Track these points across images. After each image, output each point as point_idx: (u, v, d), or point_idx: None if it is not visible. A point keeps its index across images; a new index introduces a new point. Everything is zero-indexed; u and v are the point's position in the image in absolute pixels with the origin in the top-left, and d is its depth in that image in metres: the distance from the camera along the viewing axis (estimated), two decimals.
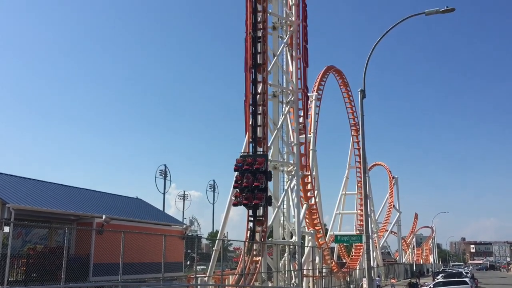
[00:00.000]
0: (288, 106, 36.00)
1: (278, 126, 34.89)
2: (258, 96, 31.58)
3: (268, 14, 34.05)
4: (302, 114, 36.61)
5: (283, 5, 37.71)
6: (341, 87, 59.70)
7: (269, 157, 32.02)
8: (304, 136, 36.89)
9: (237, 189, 29.32)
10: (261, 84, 31.96)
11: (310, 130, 45.88)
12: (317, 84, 51.79)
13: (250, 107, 31.44)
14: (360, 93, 20.11)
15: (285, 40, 36.52)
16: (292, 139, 35.86)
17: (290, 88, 36.35)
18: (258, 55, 32.12)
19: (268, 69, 33.37)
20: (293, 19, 36.83)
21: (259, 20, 32.76)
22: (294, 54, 36.74)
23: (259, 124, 30.89)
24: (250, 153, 30.21)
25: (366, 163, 26.41)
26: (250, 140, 30.72)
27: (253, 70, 31.71)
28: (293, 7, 37.11)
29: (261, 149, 30.58)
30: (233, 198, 29.77)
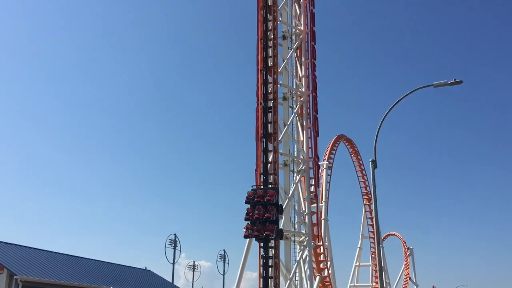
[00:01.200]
0: (299, 175, 35.96)
1: (289, 195, 34.66)
2: (269, 165, 31.64)
3: (278, 85, 34.92)
4: (313, 183, 36.46)
5: (293, 77, 38.74)
6: (352, 156, 59.84)
7: (280, 227, 31.59)
8: (315, 205, 36.52)
9: (248, 222, 29.40)
10: (272, 154, 32.15)
11: (322, 199, 45.52)
12: (328, 153, 52.02)
13: (261, 176, 31.41)
14: (371, 163, 20.08)
15: (295, 110, 37.16)
16: (303, 209, 35.48)
17: (301, 157, 36.50)
18: (269, 125, 32.55)
19: (279, 139, 33.69)
20: (303, 90, 37.66)
21: (270, 91, 33.54)
22: (304, 124, 37.21)
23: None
24: (261, 187, 30.65)
25: (380, 233, 25.85)
26: None
27: (264, 140, 31.99)
28: (303, 78, 38.08)
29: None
30: (244, 230, 29.68)
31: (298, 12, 39.95)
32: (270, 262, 29.45)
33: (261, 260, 29.69)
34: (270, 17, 34.82)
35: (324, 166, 49.54)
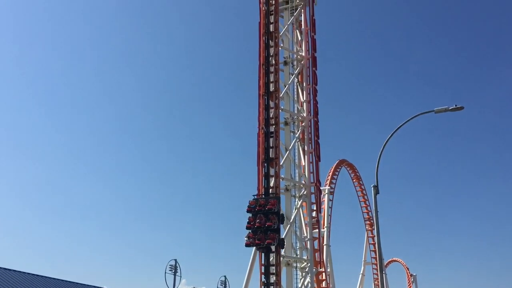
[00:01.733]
0: (301, 200, 35.78)
1: (291, 221, 34.42)
2: (270, 190, 31.53)
3: (280, 110, 35.08)
4: (315, 209, 36.22)
5: (294, 102, 38.95)
6: (354, 181, 59.65)
7: (282, 253, 31.33)
8: (317, 231, 36.19)
9: (250, 230, 29.51)
10: (273, 178, 32.06)
11: (324, 225, 45.17)
12: (329, 178, 51.87)
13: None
14: (373, 189, 19.99)
15: (297, 135, 37.23)
16: (305, 234, 35.17)
17: (303, 182, 36.38)
18: (271, 150, 32.59)
19: (281, 163, 33.67)
20: (305, 115, 37.79)
21: (271, 116, 33.69)
22: (306, 149, 37.22)
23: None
24: (263, 196, 30.72)
25: (383, 259, 25.56)
26: None
27: (265, 164, 32.00)
28: (305, 103, 38.26)
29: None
30: (245, 239, 29.75)
31: (299, 38, 40.44)
32: (272, 269, 29.51)
33: (262, 268, 29.68)
34: (271, 43, 35.25)
35: (326, 191, 49.33)
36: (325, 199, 48.72)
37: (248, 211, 30.11)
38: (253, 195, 31.15)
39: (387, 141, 19.32)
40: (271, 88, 34.12)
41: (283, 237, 30.93)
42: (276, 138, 33.06)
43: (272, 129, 33.18)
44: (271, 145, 32.64)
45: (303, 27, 40.03)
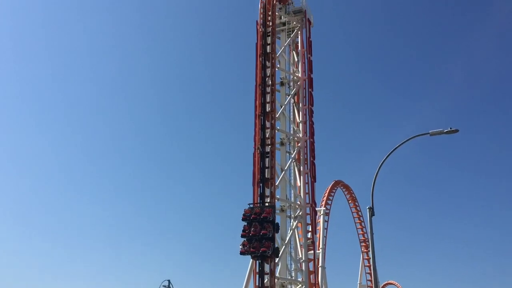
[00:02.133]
0: (296, 221, 35.63)
1: (286, 242, 34.22)
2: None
3: (276, 131, 35.18)
4: (310, 229, 36.04)
5: (290, 122, 39.10)
6: (350, 202, 59.53)
7: (277, 275, 31.03)
8: (312, 252, 35.94)
9: (245, 239, 29.47)
10: (268, 199, 31.95)
11: (319, 246, 44.84)
12: (325, 199, 51.74)
13: None
14: (369, 211, 19.94)
15: (293, 155, 37.26)
16: (300, 255, 34.91)
17: (298, 202, 36.27)
18: (266, 170, 32.56)
19: (276, 184, 33.59)
20: (301, 135, 37.89)
21: (267, 136, 33.78)
22: (301, 169, 37.21)
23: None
24: (258, 204, 30.77)
25: (378, 282, 25.33)
26: None
27: (261, 185, 31.97)
28: (301, 124, 38.39)
29: (268, 265, 29.98)
30: (240, 247, 29.72)
31: (296, 59, 40.81)
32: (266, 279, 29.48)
33: (257, 277, 29.58)
34: (268, 64, 35.56)
35: (321, 212, 49.14)
36: (321, 220, 48.50)
37: (243, 220, 30.19)
38: (249, 204, 31.26)
39: (382, 163, 19.36)
40: (268, 109, 34.30)
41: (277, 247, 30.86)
42: (271, 159, 33.07)
43: (268, 149, 33.23)
44: (266, 165, 32.64)
45: (299, 48, 40.43)
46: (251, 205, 30.96)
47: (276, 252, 30.12)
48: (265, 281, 29.34)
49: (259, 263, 29.54)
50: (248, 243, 29.33)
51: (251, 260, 31.12)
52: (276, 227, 30.32)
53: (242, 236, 29.74)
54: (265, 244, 29.03)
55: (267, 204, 30.78)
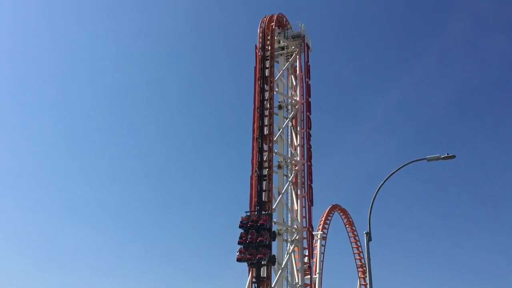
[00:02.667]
0: (293, 245, 35.35)
1: (282, 266, 33.85)
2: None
3: (274, 154, 35.22)
4: (307, 254, 35.77)
5: (288, 145, 39.16)
6: (347, 226, 59.19)
7: None
8: (309, 277, 35.58)
9: (242, 246, 29.68)
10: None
11: (316, 271, 44.46)
12: (322, 223, 51.49)
13: None
14: (366, 236, 19.83)
15: (290, 179, 37.19)
16: (296, 280, 34.55)
17: (295, 226, 36.05)
18: (264, 193, 32.47)
19: (273, 207, 33.46)
20: (298, 158, 37.91)
21: (265, 159, 33.80)
22: (299, 193, 37.10)
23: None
24: (255, 212, 31.05)
25: None
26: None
27: (258, 207, 31.86)
28: (298, 147, 38.45)
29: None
30: (237, 254, 29.83)
31: (294, 83, 41.15)
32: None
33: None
34: (266, 87, 35.88)
35: (318, 237, 48.84)
36: (318, 244, 48.15)
37: (240, 227, 30.43)
38: (246, 212, 31.53)
39: (379, 188, 19.35)
40: (265, 132, 34.43)
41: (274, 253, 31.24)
42: (269, 182, 33.05)
43: (265, 172, 33.23)
44: (264, 188, 32.59)
45: (298, 72, 40.81)
46: (248, 213, 31.26)
47: (272, 260, 30.41)
48: None
49: (255, 270, 29.71)
50: (245, 250, 29.62)
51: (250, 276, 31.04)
52: (273, 235, 30.72)
53: (239, 243, 29.92)
54: (261, 251, 29.37)
55: (263, 212, 31.14)
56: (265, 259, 29.36)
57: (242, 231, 30.24)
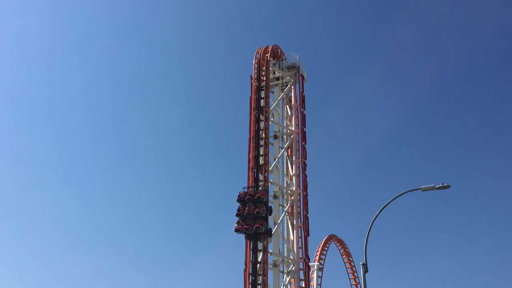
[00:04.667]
0: (289, 277, 34.91)
1: None
2: (258, 265, 30.87)
3: (269, 184, 35.17)
4: (303, 285, 35.25)
5: (284, 175, 39.13)
6: (344, 257, 58.45)
7: None
8: None
9: (239, 218, 31.53)
10: (261, 253, 31.52)
11: None
12: (318, 253, 50.84)
13: (250, 276, 30.60)
14: (362, 267, 19.62)
15: (286, 209, 37.02)
16: None
17: (291, 257, 35.68)
18: None
19: (270, 238, 33.17)
20: (294, 188, 37.82)
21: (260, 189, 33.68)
22: (295, 223, 36.87)
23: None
24: (253, 188, 33.02)
25: None
26: None
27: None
28: (294, 177, 38.41)
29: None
30: (235, 225, 31.63)
31: (289, 113, 41.43)
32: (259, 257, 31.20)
33: (250, 254, 31.13)
34: (262, 117, 36.14)
35: (315, 267, 48.12)
36: (314, 275, 47.39)
37: (238, 201, 32.24)
38: (243, 187, 33.20)
39: (374, 219, 19.27)
40: (261, 161, 34.50)
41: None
42: None
43: None
44: None
45: (293, 102, 41.13)
46: (245, 188, 33.04)
47: (268, 232, 32.11)
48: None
49: (252, 242, 31.31)
50: (242, 222, 31.44)
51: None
52: (269, 210, 32.61)
53: (237, 215, 31.73)
54: (258, 222, 31.15)
55: (260, 188, 33.02)
56: (262, 229, 31.02)
57: (240, 205, 31.95)
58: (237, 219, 31.74)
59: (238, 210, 31.87)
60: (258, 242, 31.71)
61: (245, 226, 31.16)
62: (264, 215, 31.49)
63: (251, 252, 31.23)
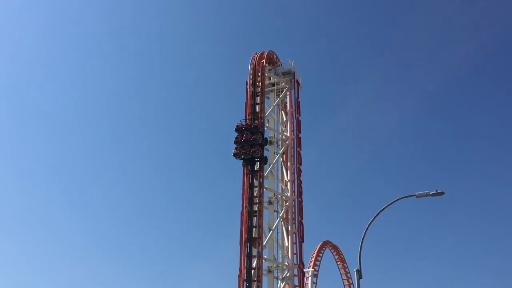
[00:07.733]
0: (284, 283, 34.78)
1: None
2: (252, 271, 30.80)
3: (264, 189, 35.19)
4: None
5: (279, 181, 39.11)
6: (338, 263, 58.38)
7: None
8: None
9: (237, 145, 33.81)
10: (256, 259, 31.43)
11: None
12: (313, 259, 50.75)
13: (244, 282, 30.52)
14: (356, 274, 19.63)
15: (280, 215, 36.98)
16: None
17: (286, 263, 35.60)
18: (254, 229, 32.28)
19: (264, 243, 33.18)
20: (289, 194, 37.80)
21: (255, 194, 33.72)
22: (289, 229, 36.81)
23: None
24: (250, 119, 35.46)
25: None
26: None
27: (248, 244, 31.62)
28: (289, 183, 38.40)
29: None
30: (233, 150, 33.91)
31: (284, 119, 41.47)
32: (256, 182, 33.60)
33: (248, 177, 33.26)
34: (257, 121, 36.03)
35: (310, 274, 47.99)
36: (309, 282, 47.28)
37: (236, 131, 34.41)
38: (240, 120, 35.40)
39: (368, 225, 19.30)
40: (256, 167, 34.46)
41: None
42: (259, 217, 32.86)
43: (255, 208, 33.07)
44: (254, 224, 32.37)
45: (288, 108, 41.19)
46: (243, 121, 35.34)
47: (264, 159, 34.67)
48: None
49: (250, 167, 33.55)
50: (240, 148, 33.54)
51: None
52: (264, 142, 35.20)
53: (235, 142, 33.88)
54: (255, 147, 33.43)
55: (256, 121, 35.14)
56: (258, 154, 33.55)
57: (237, 134, 34.14)
58: (235, 145, 33.90)
59: (236, 138, 33.98)
60: (253, 248, 31.47)
61: (243, 151, 33.28)
62: (260, 142, 33.81)
63: (248, 176, 33.52)
